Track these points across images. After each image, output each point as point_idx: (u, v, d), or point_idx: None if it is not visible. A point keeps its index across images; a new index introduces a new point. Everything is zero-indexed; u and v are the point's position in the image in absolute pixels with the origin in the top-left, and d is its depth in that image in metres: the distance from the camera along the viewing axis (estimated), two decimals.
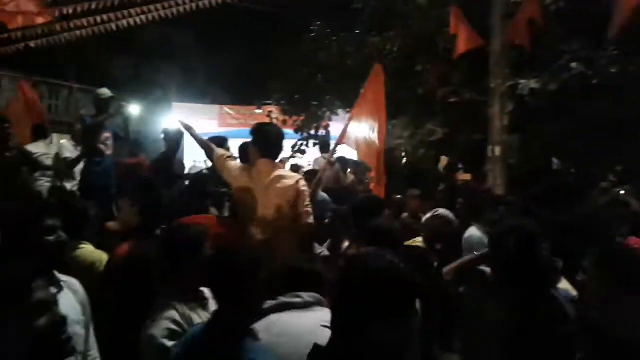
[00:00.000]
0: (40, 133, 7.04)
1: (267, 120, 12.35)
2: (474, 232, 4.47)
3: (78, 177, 6.55)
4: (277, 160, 4.01)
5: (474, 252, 3.37)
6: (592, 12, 6.83)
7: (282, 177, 3.78)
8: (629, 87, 7.00)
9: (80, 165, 6.51)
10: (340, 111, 11.56)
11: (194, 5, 10.41)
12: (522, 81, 7.63)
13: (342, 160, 8.36)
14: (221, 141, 5.29)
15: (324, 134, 11.86)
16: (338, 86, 10.86)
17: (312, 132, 11.87)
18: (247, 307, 2.02)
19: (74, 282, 2.27)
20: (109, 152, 6.61)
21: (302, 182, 3.83)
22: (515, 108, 8.13)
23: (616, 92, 7.11)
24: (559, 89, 7.40)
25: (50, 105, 18.37)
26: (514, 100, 8.12)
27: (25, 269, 1.61)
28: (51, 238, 2.15)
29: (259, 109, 16.38)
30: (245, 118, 18.08)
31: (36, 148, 6.65)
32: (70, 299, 2.20)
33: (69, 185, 6.35)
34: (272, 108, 13.15)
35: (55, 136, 13.38)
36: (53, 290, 2.12)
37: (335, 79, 10.89)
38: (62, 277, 2.23)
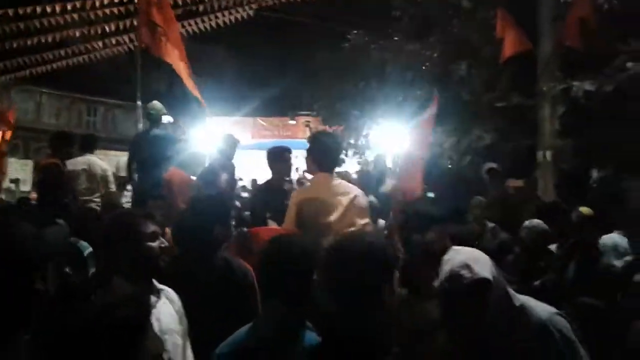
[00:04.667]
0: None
1: (300, 131, 12.35)
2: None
3: None
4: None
5: None
6: None
7: (348, 195, 3.40)
8: None
9: None
10: (380, 119, 11.42)
11: (225, 19, 10.47)
12: (576, 83, 7.39)
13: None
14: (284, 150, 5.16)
15: (363, 143, 11.75)
16: (378, 94, 10.74)
17: (352, 141, 11.74)
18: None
19: (170, 291, 2.18)
20: None
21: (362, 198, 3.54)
22: (566, 111, 7.89)
23: None
24: (615, 90, 7.14)
25: (89, 121, 18.68)
26: (565, 103, 7.88)
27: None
28: (154, 244, 2.05)
29: (293, 119, 16.43)
30: (278, 129, 18.17)
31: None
32: (169, 308, 2.11)
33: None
34: (309, 118, 13.10)
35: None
36: (153, 298, 2.04)
37: (375, 86, 10.77)
38: (160, 286, 2.14)
